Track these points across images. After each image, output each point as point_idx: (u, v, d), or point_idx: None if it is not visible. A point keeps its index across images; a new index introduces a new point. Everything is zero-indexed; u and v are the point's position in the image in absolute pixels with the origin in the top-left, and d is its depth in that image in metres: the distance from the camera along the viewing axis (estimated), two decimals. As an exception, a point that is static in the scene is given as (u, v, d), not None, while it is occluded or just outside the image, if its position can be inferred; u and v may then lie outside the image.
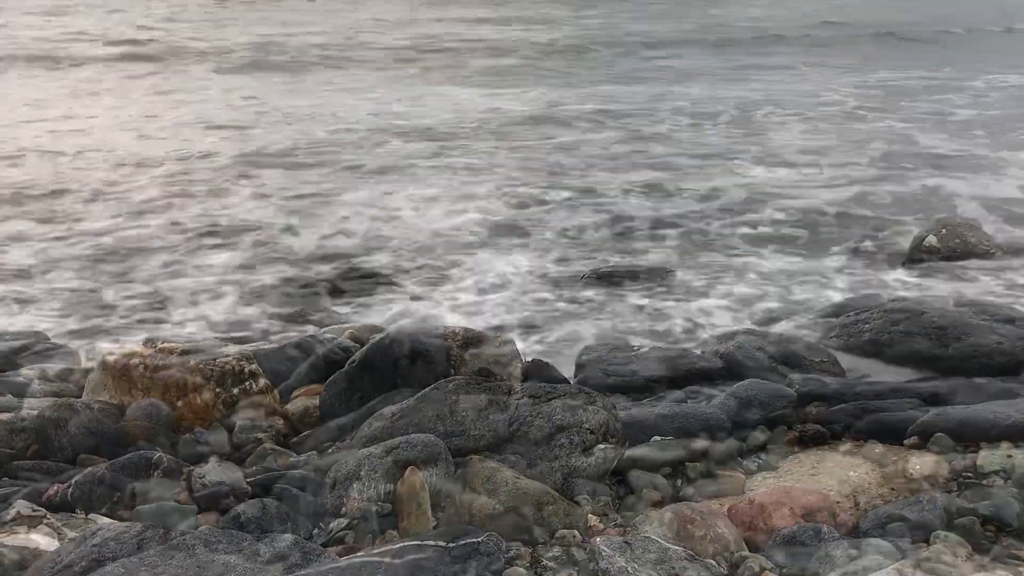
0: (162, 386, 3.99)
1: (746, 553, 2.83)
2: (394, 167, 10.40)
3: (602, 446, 3.46)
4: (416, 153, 11.11)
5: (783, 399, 4.08)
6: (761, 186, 9.56)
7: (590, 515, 3.10)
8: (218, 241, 7.76)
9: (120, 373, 4.07)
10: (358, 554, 2.66)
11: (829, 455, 3.69)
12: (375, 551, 2.63)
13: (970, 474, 3.41)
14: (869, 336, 5.12)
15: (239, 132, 12.28)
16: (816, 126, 12.91)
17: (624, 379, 4.63)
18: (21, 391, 4.35)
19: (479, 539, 2.62)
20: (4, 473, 3.44)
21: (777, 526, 2.98)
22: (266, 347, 4.79)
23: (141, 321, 6.03)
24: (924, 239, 7.16)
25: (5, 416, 3.78)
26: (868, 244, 7.49)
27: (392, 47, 20.50)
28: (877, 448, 3.70)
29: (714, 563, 2.74)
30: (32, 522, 2.89)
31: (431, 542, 2.58)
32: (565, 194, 9.22)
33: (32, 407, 4.00)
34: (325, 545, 2.89)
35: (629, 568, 2.58)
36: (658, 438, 3.74)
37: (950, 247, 7.02)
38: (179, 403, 3.96)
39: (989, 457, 3.50)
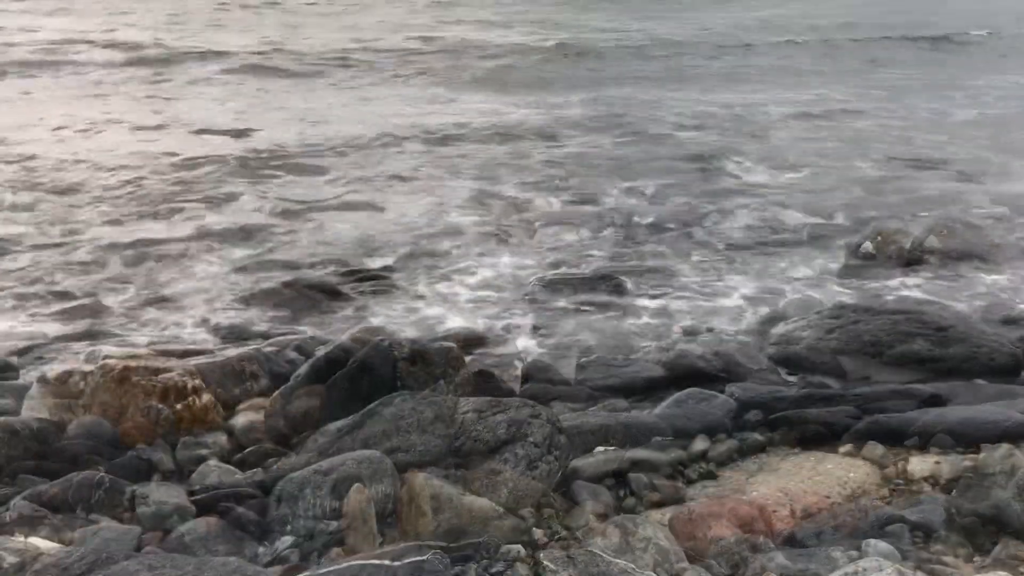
0: (102, 404, 3.95)
1: (686, 565, 2.90)
2: (395, 170, 10.41)
3: (546, 459, 3.51)
4: (416, 156, 11.14)
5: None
6: (758, 187, 9.73)
7: (535, 529, 3.15)
8: (210, 244, 7.76)
9: (60, 389, 4.03)
10: (302, 574, 2.67)
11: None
12: (320, 571, 2.64)
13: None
14: (806, 344, 5.25)
15: (238, 135, 12.13)
16: (817, 125, 13.15)
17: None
18: None
19: (424, 557, 2.65)
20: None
21: (716, 536, 3.06)
22: (209, 360, 4.76)
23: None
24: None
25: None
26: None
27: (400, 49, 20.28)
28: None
29: (653, 575, 2.80)
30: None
31: (375, 561, 2.60)
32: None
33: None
34: (269, 564, 2.90)
35: (572, 582, 2.63)
36: (601, 448, 3.81)
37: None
38: (122, 420, 3.93)
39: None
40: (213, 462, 3.70)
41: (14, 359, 5.39)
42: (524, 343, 5.84)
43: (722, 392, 4.38)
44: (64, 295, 6.58)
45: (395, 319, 6.28)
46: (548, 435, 3.56)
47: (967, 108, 14.46)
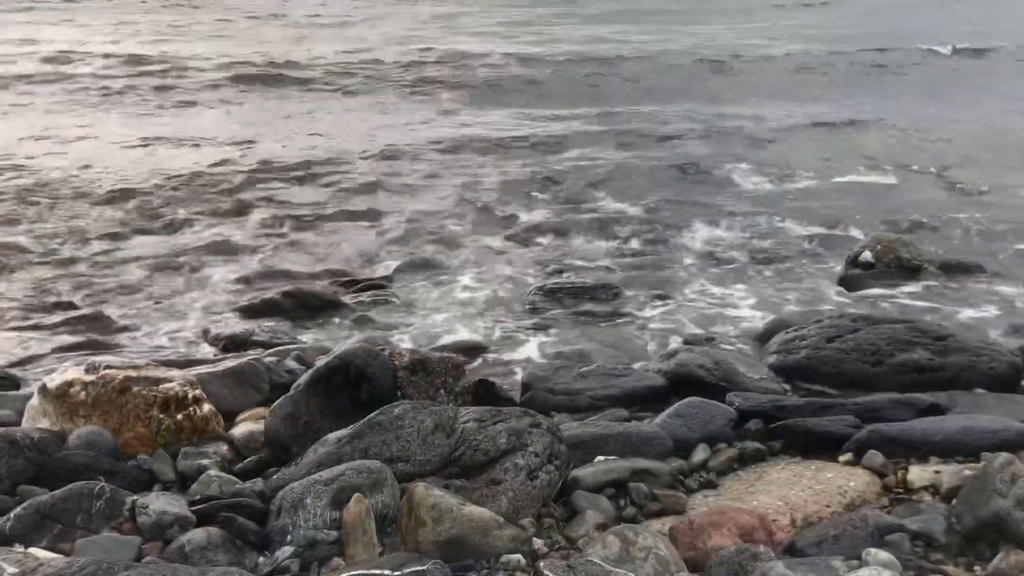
0: (103, 414, 3.95)
1: (686, 574, 2.90)
2: (395, 181, 10.44)
3: (547, 468, 3.51)
4: (416, 167, 11.17)
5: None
6: (759, 196, 9.74)
7: (535, 539, 3.15)
8: (211, 254, 7.78)
9: (61, 399, 4.02)
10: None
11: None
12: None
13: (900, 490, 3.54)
14: (805, 353, 5.25)
15: (238, 146, 12.15)
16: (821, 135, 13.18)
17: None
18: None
19: (424, 567, 2.65)
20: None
21: (716, 545, 3.06)
22: (210, 370, 4.76)
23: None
24: (860, 255, 7.35)
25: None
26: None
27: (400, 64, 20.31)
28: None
29: (654, 585, 2.81)
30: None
31: (375, 571, 2.60)
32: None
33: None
34: (270, 575, 2.90)
35: (572, 592, 2.64)
36: (601, 458, 3.81)
37: (885, 263, 7.22)
38: (123, 430, 3.93)
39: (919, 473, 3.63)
40: (214, 472, 3.70)
41: (14, 369, 5.41)
42: (524, 352, 5.85)
43: (722, 401, 4.37)
44: (65, 305, 6.59)
45: (395, 328, 6.30)
46: (548, 444, 3.57)
47: (976, 119, 14.48)
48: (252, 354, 5.35)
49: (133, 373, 4.15)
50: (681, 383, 4.83)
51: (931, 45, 23.66)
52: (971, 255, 7.66)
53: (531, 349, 5.90)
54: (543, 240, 8.37)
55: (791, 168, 11.12)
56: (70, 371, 4.18)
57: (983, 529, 3.08)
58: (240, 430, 4.18)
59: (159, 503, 3.26)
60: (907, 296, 6.78)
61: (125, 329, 6.21)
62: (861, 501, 3.49)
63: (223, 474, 3.71)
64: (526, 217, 9.06)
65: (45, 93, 16.48)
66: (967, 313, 6.41)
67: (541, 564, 2.83)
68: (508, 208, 9.35)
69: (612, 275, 7.38)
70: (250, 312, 6.47)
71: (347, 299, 6.77)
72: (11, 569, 2.78)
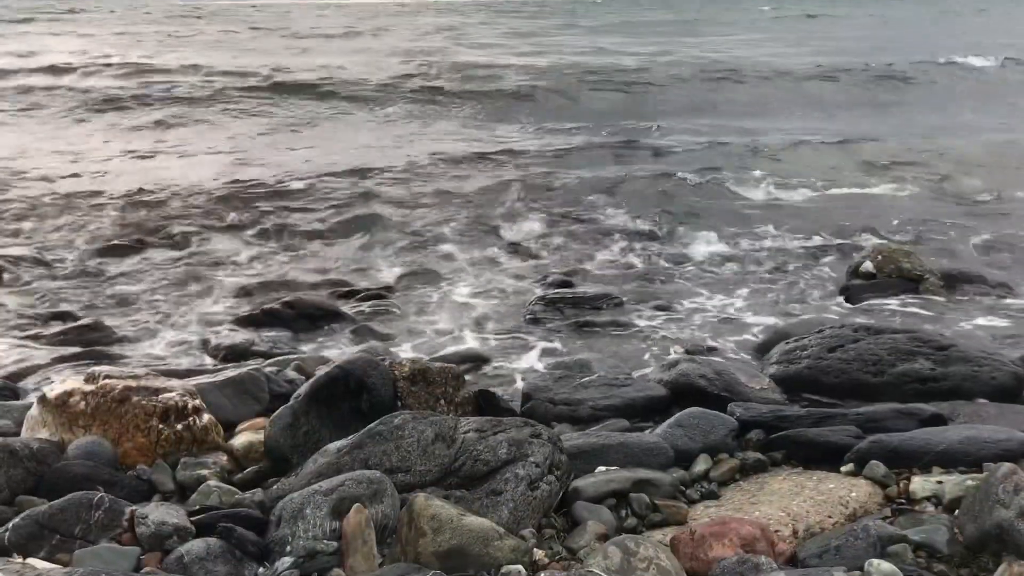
0: (103, 423, 3.94)
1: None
2: (395, 193, 10.45)
3: (547, 479, 3.50)
4: (416, 176, 11.18)
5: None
6: (761, 206, 9.72)
7: (535, 549, 3.14)
8: (211, 265, 7.79)
9: (60, 409, 4.01)
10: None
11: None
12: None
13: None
14: (807, 363, 5.24)
15: (238, 160, 12.17)
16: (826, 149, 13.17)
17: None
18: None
19: (424, 577, 2.64)
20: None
21: (718, 556, 3.04)
22: (210, 380, 4.75)
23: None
24: (861, 265, 7.35)
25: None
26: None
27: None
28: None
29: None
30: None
31: (376, 582, 2.59)
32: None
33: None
34: (270, 585, 2.89)
35: (573, 603, 2.62)
36: (602, 468, 3.80)
37: (886, 273, 7.21)
38: (122, 440, 3.91)
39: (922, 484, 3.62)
40: (213, 482, 3.69)
41: (14, 380, 5.39)
42: (525, 362, 5.84)
43: (724, 411, 4.36)
44: (65, 315, 6.59)
45: (395, 339, 6.29)
46: (549, 455, 3.56)
47: (977, 132, 14.50)
48: (252, 364, 5.35)
49: (133, 383, 4.13)
50: (682, 393, 4.82)
51: (926, 57, 23.77)
52: (972, 265, 7.66)
53: (532, 359, 5.88)
54: (544, 251, 8.37)
55: (792, 179, 11.13)
56: (69, 381, 4.18)
57: (986, 539, 3.06)
58: (240, 440, 4.16)
59: (158, 513, 3.24)
60: (908, 306, 6.76)
61: (125, 339, 6.20)
62: (863, 512, 3.48)
63: (223, 484, 3.70)
64: (527, 228, 9.07)
65: (44, 104, 16.53)
66: (968, 323, 6.40)
67: (542, 575, 2.81)
68: (509, 219, 9.35)
69: (613, 285, 7.37)
70: (250, 322, 6.46)
71: (347, 309, 6.76)
72: (9, 580, 2.77)
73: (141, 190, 10.31)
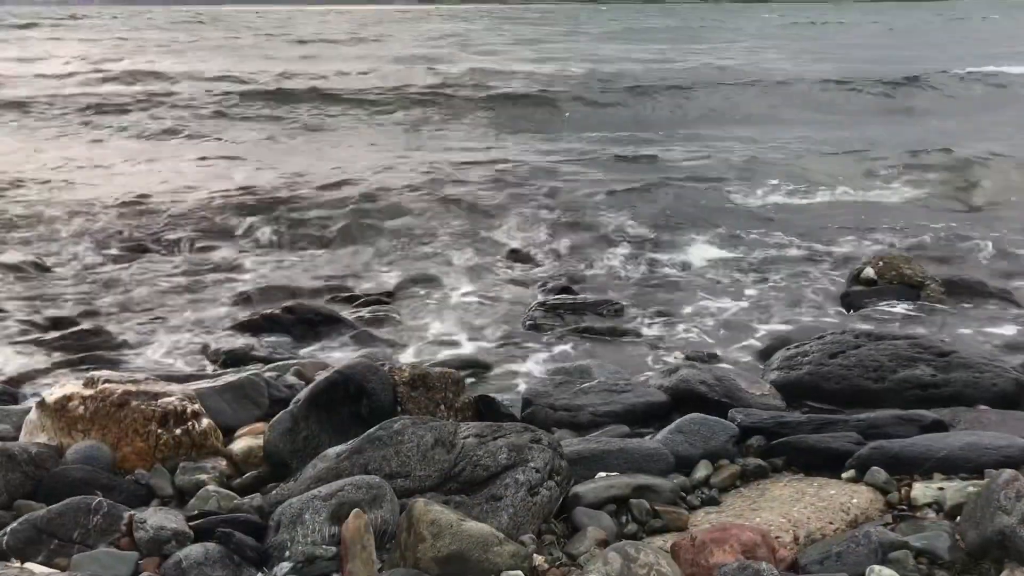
0: (102, 427, 3.93)
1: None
2: (395, 200, 10.45)
3: (547, 484, 3.49)
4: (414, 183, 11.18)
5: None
6: (761, 212, 9.71)
7: (535, 555, 3.12)
8: (211, 270, 7.78)
9: (59, 413, 4.00)
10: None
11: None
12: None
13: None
14: (808, 369, 5.22)
15: (242, 166, 12.17)
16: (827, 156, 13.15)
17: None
18: None
19: (423, 583, 2.62)
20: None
21: (718, 562, 3.03)
22: (209, 385, 4.74)
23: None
24: (862, 271, 7.34)
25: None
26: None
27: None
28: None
29: (656, 602, 2.78)
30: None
31: (375, 587, 2.58)
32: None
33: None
34: (268, 591, 2.87)
35: (572, 609, 2.61)
36: (603, 474, 3.78)
37: (887, 280, 7.20)
38: (121, 444, 3.90)
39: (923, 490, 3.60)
40: (212, 487, 3.67)
41: (13, 384, 5.39)
42: (525, 368, 5.83)
43: (724, 417, 4.35)
44: (64, 320, 6.58)
45: (395, 344, 6.28)
46: (549, 460, 3.54)
47: (980, 139, 14.49)
48: (252, 369, 5.33)
49: (132, 387, 4.12)
50: (683, 399, 4.80)
51: (933, 65, 23.79)
52: (974, 272, 7.65)
53: (532, 365, 5.88)
54: (544, 257, 8.37)
55: (794, 186, 11.13)
56: (68, 385, 4.16)
57: (987, 546, 3.04)
58: (239, 445, 4.15)
59: (157, 518, 3.23)
60: (909, 312, 6.75)
61: (125, 344, 6.20)
62: (864, 518, 3.46)
63: (221, 489, 3.69)
64: (527, 234, 9.07)
65: (45, 110, 16.55)
66: (970, 329, 6.39)
67: (541, 581, 2.80)
68: (509, 226, 9.35)
69: (614, 291, 7.36)
70: (250, 327, 6.45)
71: (347, 314, 6.76)
72: (6, 584, 2.76)
73: (142, 196, 10.31)
